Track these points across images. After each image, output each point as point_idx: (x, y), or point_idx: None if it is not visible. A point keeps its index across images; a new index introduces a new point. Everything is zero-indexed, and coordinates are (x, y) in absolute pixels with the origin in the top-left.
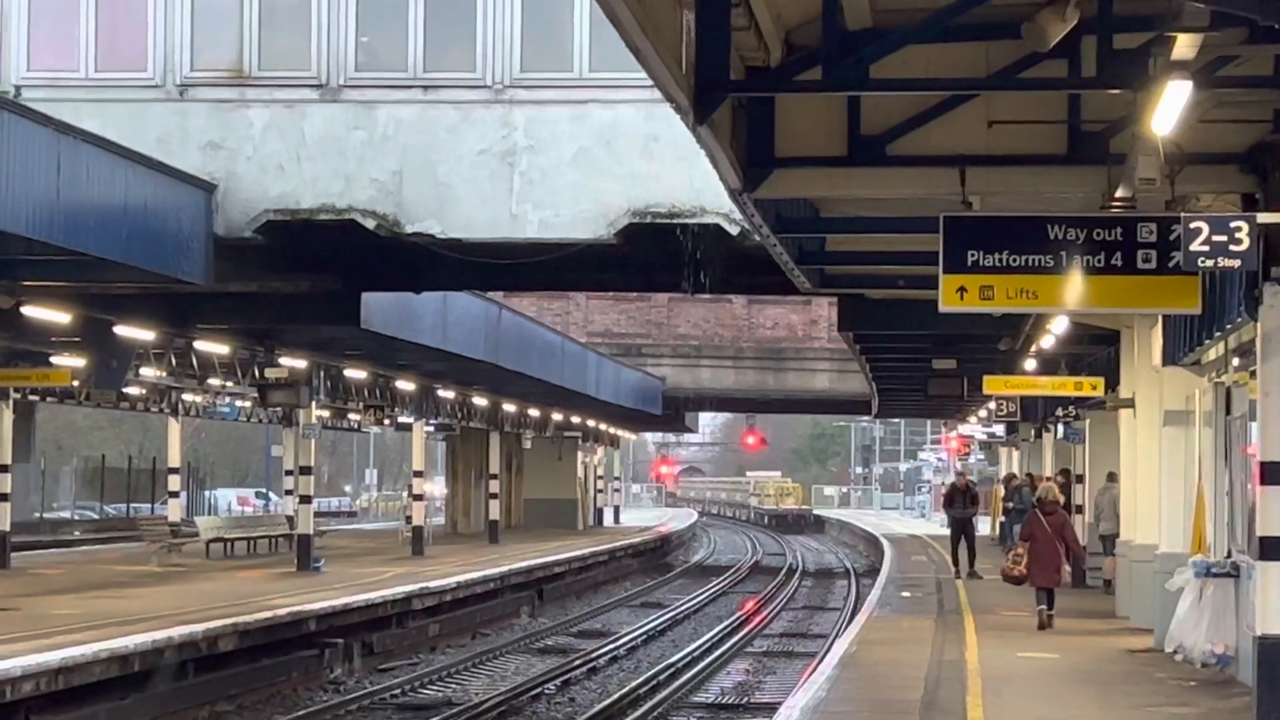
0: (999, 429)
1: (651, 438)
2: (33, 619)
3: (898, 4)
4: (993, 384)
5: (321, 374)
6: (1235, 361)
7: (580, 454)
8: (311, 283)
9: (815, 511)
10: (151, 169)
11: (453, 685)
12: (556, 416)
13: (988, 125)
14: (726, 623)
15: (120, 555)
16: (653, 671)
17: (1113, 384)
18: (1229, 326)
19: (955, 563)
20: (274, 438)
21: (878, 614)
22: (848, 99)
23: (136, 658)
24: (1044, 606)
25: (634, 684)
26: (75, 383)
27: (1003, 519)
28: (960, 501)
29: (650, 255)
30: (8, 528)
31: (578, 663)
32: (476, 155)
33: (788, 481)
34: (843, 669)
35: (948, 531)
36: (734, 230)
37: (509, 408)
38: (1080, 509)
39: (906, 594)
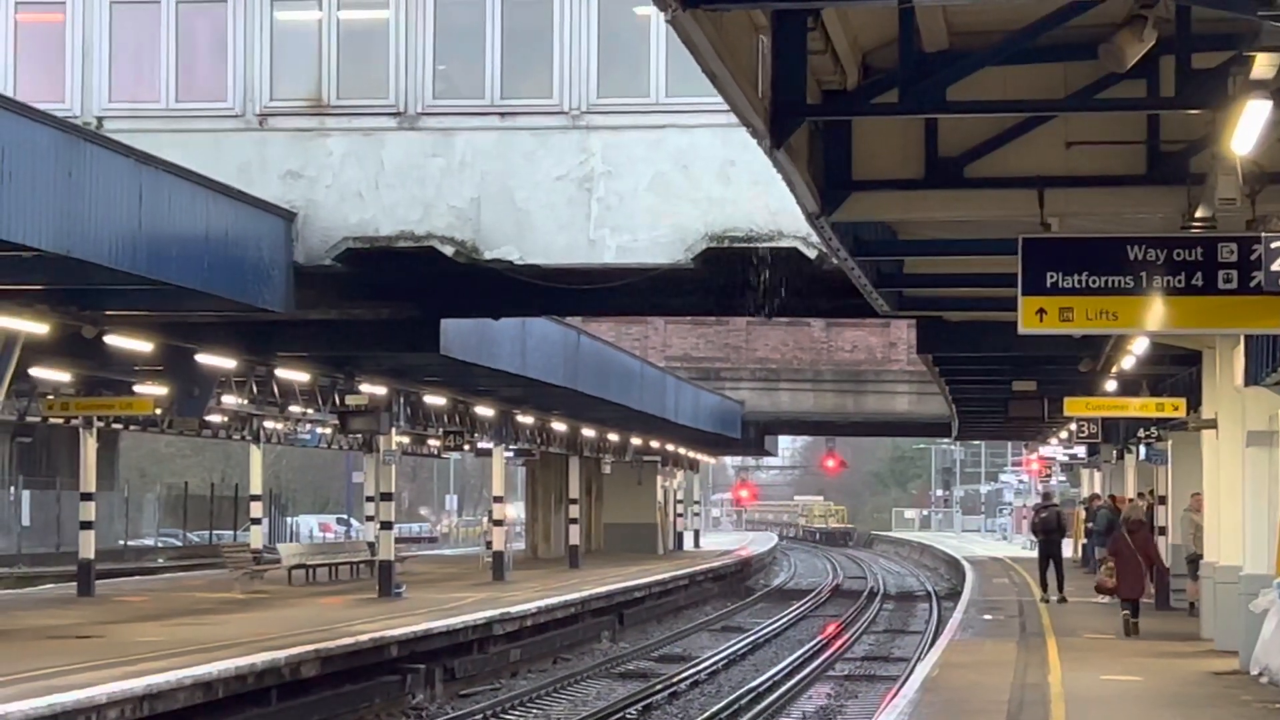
0: (1080, 450)
1: (731, 461)
2: (118, 646)
3: (974, 26)
4: (1073, 405)
5: (401, 400)
6: None
7: (660, 478)
8: (391, 310)
9: (874, 531)
10: (232, 198)
11: (534, 710)
12: (636, 441)
13: (1066, 146)
14: (807, 646)
15: (204, 582)
16: (734, 696)
17: (1195, 404)
18: None
19: (1044, 586)
20: (355, 464)
21: (960, 637)
22: (925, 121)
23: (220, 684)
24: (1128, 613)
25: (715, 708)
26: (158, 411)
27: (1084, 541)
28: (1058, 527)
29: (728, 279)
30: (92, 555)
31: (659, 687)
32: (554, 181)
33: (831, 504)
34: (925, 692)
35: (1030, 554)
36: (811, 254)
37: (588, 432)
38: (1164, 530)
39: (989, 617)
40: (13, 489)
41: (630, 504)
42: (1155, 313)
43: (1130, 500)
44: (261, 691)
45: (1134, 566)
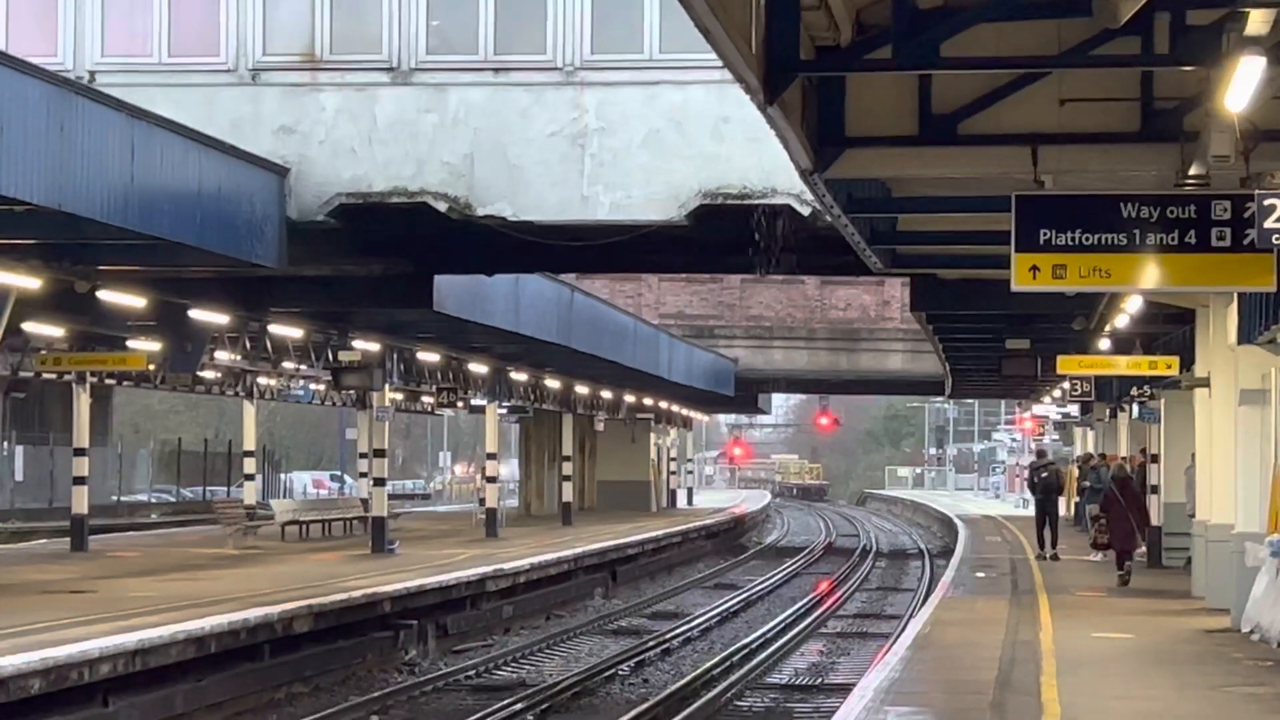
0: (1073, 409)
1: (724, 419)
2: (110, 601)
3: None
4: (1066, 364)
5: (394, 357)
6: None
7: (653, 436)
8: (384, 266)
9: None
10: (225, 153)
11: (527, 667)
12: (629, 398)
13: (1060, 103)
14: (800, 604)
15: (197, 538)
16: (726, 653)
17: (1188, 363)
18: None
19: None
20: (348, 421)
21: (952, 594)
22: (919, 78)
23: (213, 639)
24: (1121, 570)
25: (708, 665)
26: (151, 367)
27: (1077, 499)
28: (1057, 486)
29: (722, 236)
30: (86, 511)
31: (651, 644)
32: (547, 137)
33: (805, 462)
34: (917, 649)
35: (1023, 512)
36: (805, 211)
37: (582, 390)
38: (1156, 488)
39: (981, 574)
40: (6, 444)
41: (624, 461)
42: (1148, 270)
43: (1118, 458)
44: (254, 647)
45: (1125, 521)
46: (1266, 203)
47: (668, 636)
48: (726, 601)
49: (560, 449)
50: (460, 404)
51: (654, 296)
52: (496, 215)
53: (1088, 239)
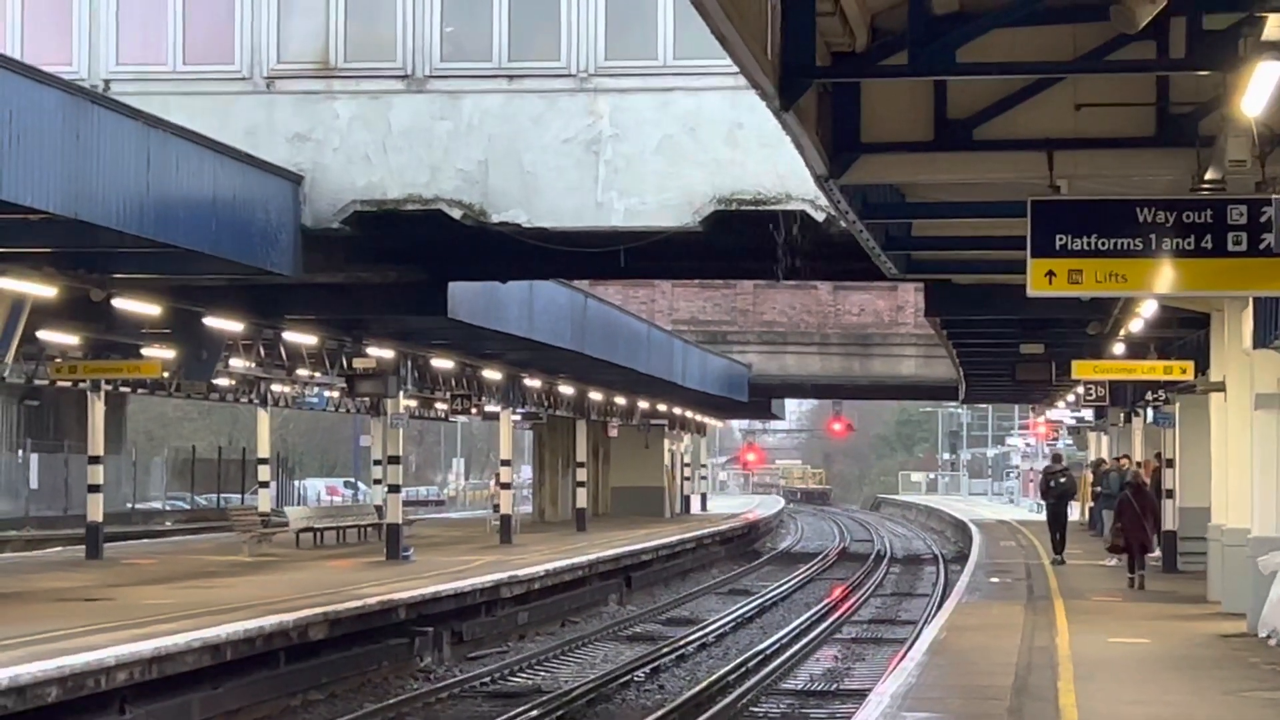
0: (1088, 413)
1: (737, 425)
2: (126, 609)
3: None
4: (1081, 368)
5: (409, 364)
6: None
7: (667, 442)
8: (398, 273)
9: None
10: (239, 161)
11: (542, 673)
12: (643, 404)
13: (1075, 108)
14: (814, 609)
15: (211, 545)
16: (742, 658)
17: (1203, 367)
18: None
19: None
20: (362, 428)
21: (967, 600)
22: (934, 83)
23: (229, 647)
24: (1133, 572)
25: (723, 671)
26: (165, 374)
27: (1091, 504)
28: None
29: (736, 242)
30: (100, 518)
31: (666, 650)
32: (562, 144)
33: (808, 467)
34: (933, 655)
35: (1038, 517)
36: (820, 216)
37: (595, 396)
38: (1171, 493)
39: (996, 579)
40: (20, 452)
41: (637, 467)
42: (1164, 275)
43: (1125, 459)
44: (270, 654)
45: (1138, 524)
46: None
47: (683, 642)
48: (741, 607)
49: (574, 455)
50: (474, 410)
51: (667, 302)
52: (511, 222)
53: (1103, 244)
